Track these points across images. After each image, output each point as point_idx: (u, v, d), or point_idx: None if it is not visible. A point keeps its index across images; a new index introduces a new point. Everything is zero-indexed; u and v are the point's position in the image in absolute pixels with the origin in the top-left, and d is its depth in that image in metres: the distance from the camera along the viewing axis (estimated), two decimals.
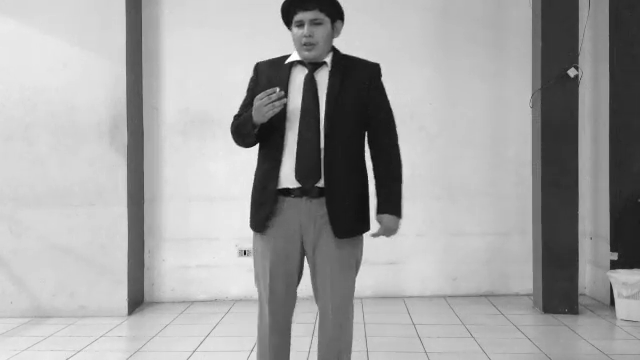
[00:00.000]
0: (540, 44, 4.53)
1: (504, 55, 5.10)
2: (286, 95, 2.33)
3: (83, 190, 4.63)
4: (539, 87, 4.55)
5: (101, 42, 4.62)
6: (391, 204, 2.43)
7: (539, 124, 4.55)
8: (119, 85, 4.64)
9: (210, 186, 5.05)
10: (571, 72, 4.48)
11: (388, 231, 2.44)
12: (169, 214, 5.06)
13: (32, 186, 4.62)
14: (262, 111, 2.24)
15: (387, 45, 5.04)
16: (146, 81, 5.06)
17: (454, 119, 5.10)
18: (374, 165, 2.49)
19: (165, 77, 5.06)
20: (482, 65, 5.09)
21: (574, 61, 4.49)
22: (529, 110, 4.81)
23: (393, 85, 4.96)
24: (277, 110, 2.24)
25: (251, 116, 2.30)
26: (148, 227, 5.06)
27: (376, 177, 2.46)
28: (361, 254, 2.51)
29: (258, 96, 2.25)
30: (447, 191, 5.10)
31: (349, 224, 2.38)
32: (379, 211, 2.44)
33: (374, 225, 2.48)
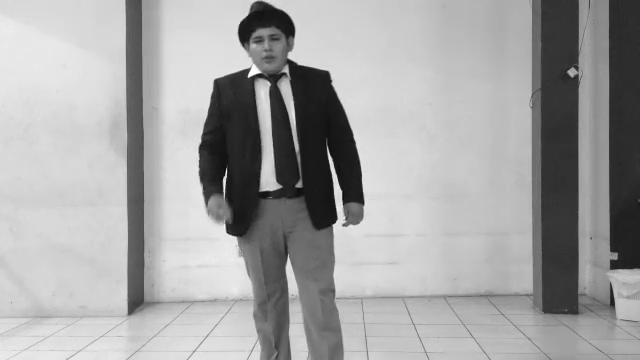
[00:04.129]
0: (540, 44, 4.53)
1: (504, 55, 5.11)
2: (254, 106, 2.55)
3: (83, 190, 4.63)
4: (539, 87, 4.55)
5: (101, 43, 4.63)
6: (356, 193, 2.67)
7: (539, 124, 4.55)
8: (119, 85, 4.64)
9: None
10: (571, 72, 4.48)
11: (356, 217, 2.66)
12: (169, 214, 5.06)
13: (32, 186, 4.63)
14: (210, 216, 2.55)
15: (387, 45, 5.04)
16: (146, 81, 5.06)
17: (454, 119, 5.10)
18: (337, 161, 2.71)
19: (165, 77, 5.07)
20: (482, 65, 5.10)
21: (574, 61, 4.49)
22: (529, 110, 4.81)
23: (393, 85, 5.04)
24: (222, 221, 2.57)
25: (206, 197, 2.57)
26: (148, 227, 5.06)
27: (339, 172, 2.71)
28: (333, 238, 2.69)
29: (211, 209, 2.52)
30: (447, 191, 5.10)
31: (324, 217, 2.61)
32: (346, 200, 2.67)
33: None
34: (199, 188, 5.24)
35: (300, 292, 2.64)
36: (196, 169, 5.07)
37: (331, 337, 2.59)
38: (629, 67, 4.70)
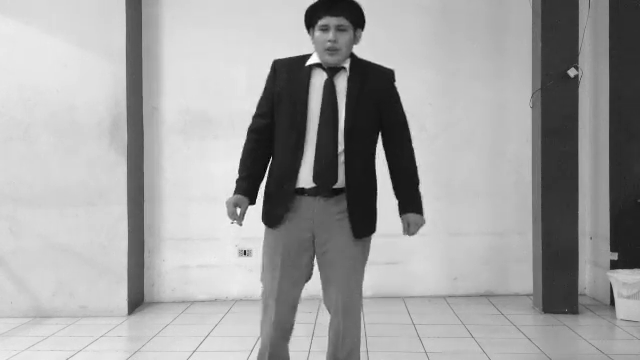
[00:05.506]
0: (540, 44, 4.53)
1: (504, 55, 5.11)
2: (306, 97, 2.41)
3: (83, 190, 4.63)
4: (539, 87, 4.55)
5: (101, 42, 4.62)
6: (415, 204, 2.54)
7: (539, 124, 4.55)
8: (119, 85, 4.64)
9: (210, 186, 5.05)
10: (571, 72, 4.48)
11: (417, 227, 2.53)
12: (169, 214, 5.06)
13: (32, 186, 4.62)
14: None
15: (386, 45, 5.03)
16: (146, 81, 5.06)
17: (454, 119, 5.10)
18: (393, 167, 2.56)
19: (165, 77, 5.06)
20: (482, 65, 5.09)
21: (574, 61, 4.49)
22: (529, 110, 4.81)
23: None
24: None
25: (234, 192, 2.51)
26: (148, 227, 5.06)
27: (396, 178, 2.57)
28: (369, 252, 2.58)
29: (227, 204, 2.46)
30: (447, 191, 5.10)
31: (365, 225, 2.48)
32: (405, 211, 2.54)
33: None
34: (199, 188, 5.29)
35: (324, 300, 2.52)
36: (196, 169, 5.11)
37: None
38: (629, 67, 4.70)
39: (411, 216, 2.51)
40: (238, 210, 2.47)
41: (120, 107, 4.64)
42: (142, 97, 5.04)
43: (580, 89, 4.64)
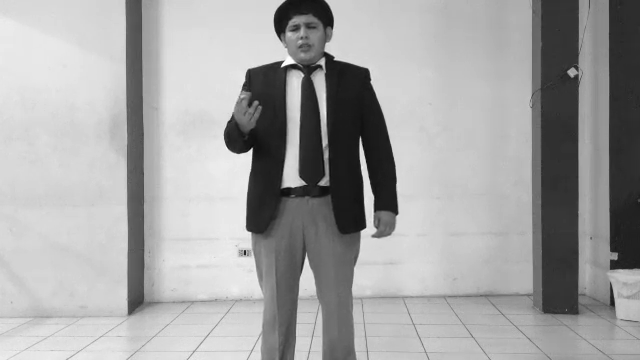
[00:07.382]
0: (540, 44, 4.53)
1: (504, 55, 5.11)
2: (284, 97, 2.41)
3: (83, 190, 4.63)
4: (539, 87, 4.55)
5: (101, 42, 4.62)
6: (389, 201, 2.53)
7: (539, 124, 4.56)
8: (119, 85, 4.64)
9: (210, 186, 5.06)
10: (571, 72, 4.48)
11: (388, 226, 2.51)
12: (169, 214, 5.06)
13: (32, 186, 4.62)
14: (244, 121, 2.28)
15: (387, 45, 5.04)
16: (146, 81, 5.06)
17: (454, 119, 5.10)
18: (370, 164, 2.57)
19: (165, 77, 5.06)
20: (482, 65, 5.09)
21: (574, 61, 4.49)
22: (529, 110, 4.81)
23: (393, 85, 5.04)
24: (257, 115, 2.26)
25: (237, 124, 2.34)
26: (148, 227, 5.06)
27: (372, 176, 2.56)
28: (358, 250, 2.57)
29: (234, 109, 2.28)
30: (447, 191, 5.10)
31: (351, 220, 2.45)
32: (378, 208, 2.53)
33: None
34: (199, 188, 5.29)
35: (317, 297, 2.51)
36: (196, 169, 5.10)
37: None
38: (629, 67, 4.70)
39: (383, 214, 2.50)
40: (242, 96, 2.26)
41: (120, 107, 4.64)
42: (142, 97, 5.04)
43: (580, 89, 4.65)
